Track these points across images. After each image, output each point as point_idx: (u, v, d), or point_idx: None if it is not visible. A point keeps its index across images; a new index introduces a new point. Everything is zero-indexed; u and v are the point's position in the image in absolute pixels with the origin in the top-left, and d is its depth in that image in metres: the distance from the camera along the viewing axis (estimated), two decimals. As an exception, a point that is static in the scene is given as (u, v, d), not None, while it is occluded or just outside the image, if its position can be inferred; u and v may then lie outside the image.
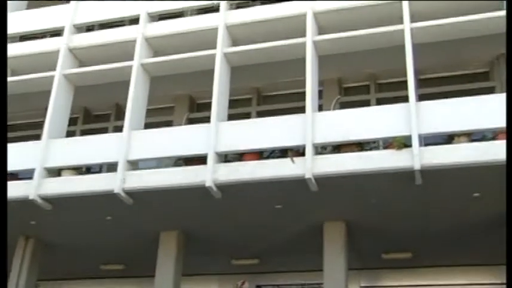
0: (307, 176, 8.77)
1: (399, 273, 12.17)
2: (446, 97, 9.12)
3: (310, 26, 9.96)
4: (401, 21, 9.55)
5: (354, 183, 8.99)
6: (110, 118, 13.21)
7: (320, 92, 10.42)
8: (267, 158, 9.58)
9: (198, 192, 9.32)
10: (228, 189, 9.28)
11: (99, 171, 10.44)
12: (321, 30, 10.18)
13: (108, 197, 9.63)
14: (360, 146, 9.15)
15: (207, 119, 9.85)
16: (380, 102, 11.14)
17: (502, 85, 10.61)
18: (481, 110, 8.66)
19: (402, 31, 9.43)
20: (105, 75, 11.08)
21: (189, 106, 12.58)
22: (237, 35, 10.65)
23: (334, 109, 10.36)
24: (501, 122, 8.48)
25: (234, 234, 11.14)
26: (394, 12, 9.70)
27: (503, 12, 9.19)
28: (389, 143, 8.89)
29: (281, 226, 10.68)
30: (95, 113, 13.57)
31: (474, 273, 11.89)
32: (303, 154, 9.00)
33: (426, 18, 9.60)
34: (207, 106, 10.30)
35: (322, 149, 9.34)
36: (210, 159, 9.30)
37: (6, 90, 9.83)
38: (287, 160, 9.04)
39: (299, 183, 8.90)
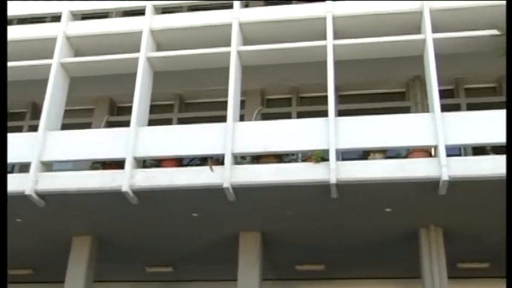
0: (225, 185, 8.77)
1: (312, 285, 12.34)
2: (365, 114, 9.40)
3: (235, 36, 10.02)
4: (325, 37, 9.77)
5: (272, 194, 9.07)
6: (25, 117, 12.76)
7: (242, 102, 10.47)
8: (186, 165, 9.53)
9: (114, 197, 9.14)
10: (145, 195, 9.15)
11: (11, 171, 10.03)
12: (246, 41, 10.25)
13: (18, 199, 9.27)
14: (279, 157, 9.26)
15: (127, 123, 9.68)
16: (301, 115, 11.33)
17: (417, 105, 11.05)
18: (396, 128, 8.96)
19: (325, 47, 9.64)
20: (22, 72, 10.68)
21: (109, 109, 12.34)
22: (162, 40, 10.56)
23: (255, 120, 10.44)
24: (415, 141, 8.84)
25: (150, 241, 10.98)
26: (319, 28, 9.90)
27: (421, 36, 9.57)
28: (307, 156, 9.04)
29: (197, 234, 10.62)
30: (10, 111, 13.06)
31: (386, 286, 12.24)
32: (222, 163, 9.01)
33: (349, 36, 9.85)
34: (128, 110, 10.13)
35: (241, 159, 9.39)
36: (128, 164, 9.14)
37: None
38: (206, 168, 9.02)
39: (217, 192, 8.88)
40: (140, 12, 10.79)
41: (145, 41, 10.26)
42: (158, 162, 9.51)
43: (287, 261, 11.56)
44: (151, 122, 10.03)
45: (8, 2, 11.12)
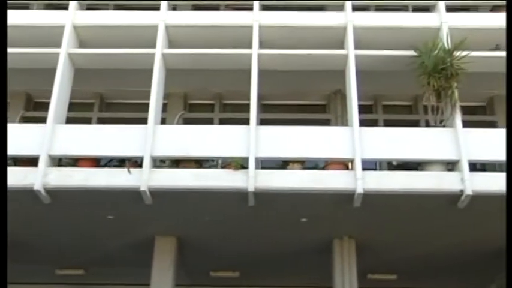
0: (142, 188, 8.65)
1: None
2: (286, 124, 9.50)
3: (161, 38, 9.91)
4: (251, 46, 9.84)
5: (190, 199, 9.03)
6: None
7: (165, 105, 10.37)
8: (104, 166, 9.33)
9: (26, 195, 8.80)
10: (59, 194, 8.87)
11: None
12: (171, 44, 10.17)
13: None
14: (199, 163, 9.22)
15: (43, 120, 9.38)
16: (223, 122, 11.34)
17: (337, 118, 11.30)
18: (315, 140, 9.12)
19: (250, 55, 9.70)
20: None
21: (26, 104, 11.90)
22: (85, 36, 10.29)
23: (177, 124, 10.36)
24: (333, 153, 9.03)
25: (62, 242, 10.65)
26: (245, 36, 9.95)
27: (344, 51, 9.81)
28: (227, 163, 9.05)
29: (111, 237, 10.41)
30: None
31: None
32: (141, 166, 8.88)
33: (274, 46, 9.95)
34: (45, 106, 9.79)
35: (161, 162, 9.29)
36: (42, 162, 8.84)
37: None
38: (124, 170, 8.86)
39: (134, 194, 8.74)
40: (64, 6, 10.49)
41: (67, 37, 9.98)
42: (75, 162, 9.24)
43: (202, 267, 11.53)
44: (70, 120, 9.76)
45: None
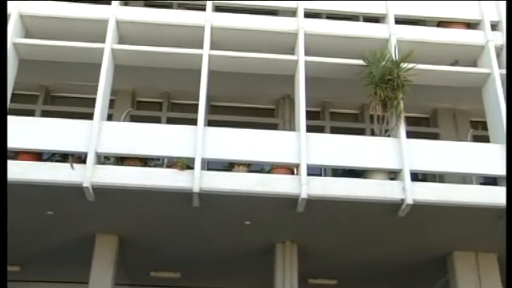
0: (85, 185, 8.49)
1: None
2: (234, 127, 9.50)
3: (110, 33, 9.76)
4: (202, 46, 9.79)
5: (133, 197, 8.91)
6: None
7: (112, 102, 10.21)
8: (46, 160, 9.11)
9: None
10: (-4, 188, 8.61)
11: None
12: (122, 40, 10.03)
13: None
14: (145, 161, 9.12)
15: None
16: (170, 121, 11.25)
17: (285, 123, 11.39)
18: (262, 144, 9.17)
19: (200, 56, 9.67)
20: None
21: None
22: (32, 27, 10.03)
23: (123, 121, 10.21)
24: (279, 158, 9.08)
25: (-3, 237, 10.33)
26: (197, 36, 9.91)
27: (294, 57, 9.89)
28: (173, 163, 8.99)
29: (51, 233, 10.15)
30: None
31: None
32: (84, 161, 8.72)
33: (226, 48, 9.94)
34: (-13, 97, 9.49)
35: (105, 159, 9.13)
36: (-20, 154, 8.56)
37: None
38: (66, 165, 8.68)
39: (76, 190, 8.57)
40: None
41: (13, 25, 9.70)
42: (15, 155, 8.98)
43: (143, 267, 11.38)
44: (12, 112, 9.48)
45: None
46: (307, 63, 9.74)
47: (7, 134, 8.25)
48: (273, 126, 11.39)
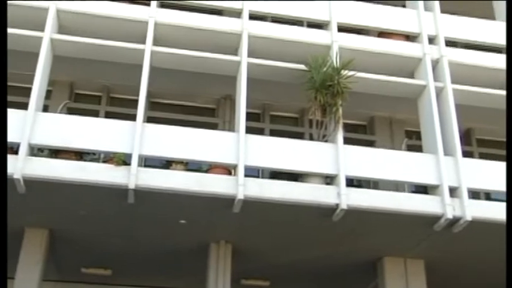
0: (15, 176, 8.26)
1: (96, 289, 12.04)
2: (174, 124, 9.43)
3: (50, 22, 9.52)
4: (145, 41, 9.69)
5: (66, 191, 8.72)
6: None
7: (49, 92, 9.98)
8: (-24, 150, 8.80)
9: None
10: None
11: None
12: (62, 29, 9.80)
13: None
14: (80, 155, 8.95)
15: None
16: (109, 115, 11.03)
17: (225, 123, 11.39)
18: (201, 143, 9.14)
19: (142, 51, 9.57)
20: None
21: None
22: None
23: (60, 113, 9.97)
24: (217, 157, 9.07)
25: None
26: (140, 31, 9.80)
27: (237, 58, 9.91)
28: (109, 158, 8.85)
29: (-23, 226, 9.81)
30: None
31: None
32: (16, 152, 8.47)
33: (169, 45, 9.87)
34: None
35: (38, 151, 8.90)
36: None
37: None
38: (-3, 156, 8.40)
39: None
40: None
41: None
42: None
43: (73, 263, 11.12)
44: None
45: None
46: (249, 64, 9.79)
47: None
48: (213, 126, 11.37)
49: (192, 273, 11.00)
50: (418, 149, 10.43)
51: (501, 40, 11.27)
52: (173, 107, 11.58)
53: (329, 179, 9.34)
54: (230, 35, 10.16)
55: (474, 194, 10.34)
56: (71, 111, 10.54)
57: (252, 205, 8.88)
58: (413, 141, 11.57)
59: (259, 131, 11.28)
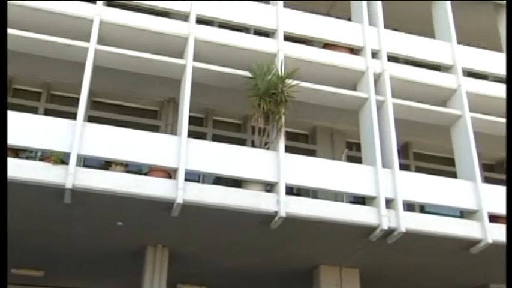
0: None
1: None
2: (115, 125, 9.27)
3: (-8, 14, 9.25)
4: (89, 39, 9.54)
5: (1, 189, 8.45)
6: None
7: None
8: None
9: None
10: None
11: None
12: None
13: None
14: (16, 152, 8.70)
15: None
16: (48, 113, 10.80)
17: (167, 126, 11.30)
18: (142, 145, 9.03)
19: (86, 49, 9.40)
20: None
21: None
22: None
23: (-3, 108, 9.67)
24: (157, 160, 8.98)
25: None
26: (85, 29, 9.63)
27: (182, 61, 9.86)
28: (47, 156, 8.65)
29: None
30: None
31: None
32: None
33: (115, 44, 9.73)
34: None
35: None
36: None
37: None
38: None
39: None
40: None
41: None
42: None
43: (4, 263, 10.79)
44: None
45: None
46: (194, 68, 9.76)
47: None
48: (155, 128, 11.27)
49: (127, 276, 10.86)
50: (357, 160, 10.62)
51: (440, 58, 11.66)
52: (115, 107, 11.43)
53: (269, 187, 9.39)
54: (176, 37, 10.11)
55: (409, 207, 10.64)
56: (9, 106, 10.18)
57: (191, 209, 8.83)
58: (353, 153, 11.82)
59: (202, 136, 11.29)
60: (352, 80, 10.97)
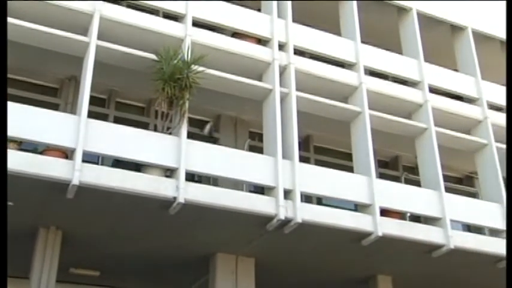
0: None
1: None
2: (12, 101, 8.77)
3: None
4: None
5: None
6: None
7: None
8: None
9: None
10: None
11: None
12: None
13: None
14: None
15: None
16: None
17: (67, 105, 10.93)
18: (37, 122, 8.68)
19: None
20: None
21: None
22: None
23: None
24: (54, 140, 8.67)
25: None
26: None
27: (86, 38, 9.55)
28: None
29: None
30: None
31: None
32: None
33: (17, 17, 9.25)
34: None
35: None
36: None
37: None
38: None
39: None
40: None
41: None
42: None
43: None
44: None
45: None
46: (98, 47, 9.48)
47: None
48: (55, 107, 10.85)
49: (16, 259, 10.39)
50: (260, 150, 10.73)
51: (345, 55, 11.98)
52: (14, 82, 10.84)
53: (169, 172, 9.31)
54: (81, 14, 9.74)
55: (307, 198, 10.89)
56: None
57: (88, 192, 8.62)
58: (256, 143, 11.94)
59: (103, 117, 10.97)
60: (258, 71, 11.06)
